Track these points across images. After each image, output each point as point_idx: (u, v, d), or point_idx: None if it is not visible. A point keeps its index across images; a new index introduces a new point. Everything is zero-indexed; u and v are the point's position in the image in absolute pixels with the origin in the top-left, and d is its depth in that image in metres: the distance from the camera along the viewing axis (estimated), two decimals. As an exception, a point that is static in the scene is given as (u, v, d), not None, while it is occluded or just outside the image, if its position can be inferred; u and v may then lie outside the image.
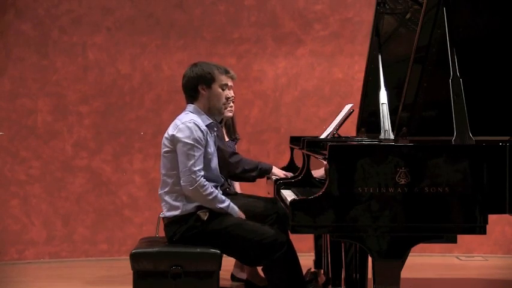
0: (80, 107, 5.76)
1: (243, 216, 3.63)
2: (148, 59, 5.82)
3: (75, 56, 5.75)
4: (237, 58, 5.84)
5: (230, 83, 4.26)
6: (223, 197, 3.57)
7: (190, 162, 3.44)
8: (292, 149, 4.65)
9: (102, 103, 5.78)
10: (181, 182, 3.47)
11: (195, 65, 3.69)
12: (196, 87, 3.62)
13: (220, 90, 3.65)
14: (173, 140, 3.50)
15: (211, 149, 3.61)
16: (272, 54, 5.91)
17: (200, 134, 3.49)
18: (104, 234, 5.79)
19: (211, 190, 3.50)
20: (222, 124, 4.50)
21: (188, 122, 3.50)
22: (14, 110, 5.69)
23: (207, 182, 3.49)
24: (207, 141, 3.55)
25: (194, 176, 3.44)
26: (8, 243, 5.68)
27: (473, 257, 5.79)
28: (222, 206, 3.52)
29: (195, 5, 5.84)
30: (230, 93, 4.22)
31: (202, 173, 3.48)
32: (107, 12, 5.77)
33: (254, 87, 5.86)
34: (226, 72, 3.69)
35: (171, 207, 3.53)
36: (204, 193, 3.46)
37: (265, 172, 4.15)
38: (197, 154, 3.47)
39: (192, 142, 3.46)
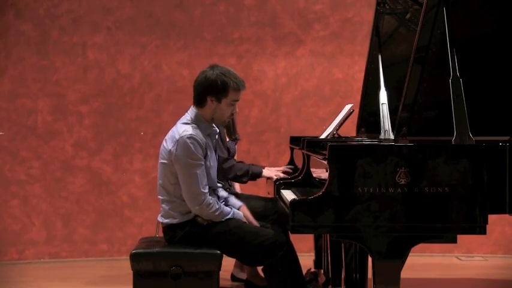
0: (80, 107, 5.76)
1: (253, 221, 3.58)
2: (148, 59, 5.82)
3: (75, 56, 5.75)
4: (237, 58, 5.84)
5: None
6: (228, 209, 3.52)
7: (193, 183, 3.37)
8: (292, 149, 4.65)
9: (102, 103, 5.78)
10: (186, 200, 3.41)
11: (213, 68, 3.46)
12: (206, 96, 3.44)
13: (229, 107, 3.48)
14: (171, 156, 3.40)
15: (211, 162, 3.52)
16: (272, 54, 5.91)
17: (199, 150, 3.37)
18: (104, 234, 5.79)
19: (217, 207, 3.44)
20: (229, 123, 4.50)
21: (187, 138, 3.35)
22: (14, 110, 5.69)
23: (212, 200, 3.43)
24: (206, 154, 3.45)
25: (199, 197, 3.38)
26: (8, 243, 5.68)
27: (473, 257, 5.79)
28: (227, 217, 3.49)
29: (195, 5, 5.84)
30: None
31: (206, 190, 3.41)
32: (107, 12, 5.77)
33: (254, 87, 5.86)
34: (242, 87, 3.48)
35: (168, 215, 3.51)
36: (210, 211, 3.42)
37: (256, 176, 4.30)
38: (199, 172, 3.37)
39: (191, 161, 3.35)
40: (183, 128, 3.42)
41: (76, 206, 5.76)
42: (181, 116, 3.57)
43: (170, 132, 3.49)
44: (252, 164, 4.47)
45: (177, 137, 3.39)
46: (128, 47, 5.80)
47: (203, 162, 3.40)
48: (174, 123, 3.57)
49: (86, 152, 5.77)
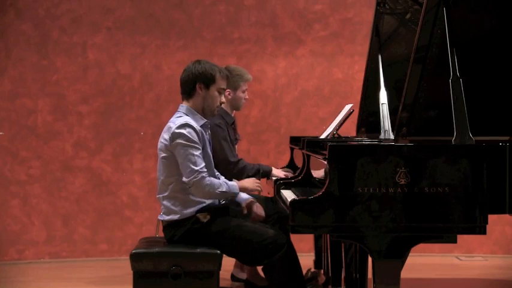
0: (80, 107, 5.76)
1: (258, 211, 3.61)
2: (148, 59, 5.82)
3: (75, 56, 5.75)
4: (237, 58, 5.84)
5: (246, 87, 4.44)
6: (219, 181, 3.51)
7: (191, 163, 3.40)
8: (292, 149, 4.65)
9: (102, 103, 5.78)
10: (187, 185, 3.44)
11: (198, 62, 3.61)
12: (194, 84, 3.55)
13: (217, 94, 3.57)
14: (170, 145, 3.45)
15: (209, 150, 3.58)
16: (272, 54, 5.91)
17: (195, 135, 3.44)
18: (104, 234, 5.79)
19: (214, 183, 3.45)
20: (234, 125, 4.52)
21: (183, 125, 3.43)
22: (14, 110, 5.69)
23: (208, 179, 3.44)
24: (204, 142, 3.51)
25: (198, 176, 3.40)
26: (8, 243, 5.68)
27: (473, 257, 5.79)
28: (223, 190, 3.48)
29: (195, 5, 5.84)
30: (245, 95, 4.46)
31: (205, 170, 3.44)
32: (107, 12, 5.78)
33: (254, 87, 5.86)
34: (227, 77, 3.65)
35: (170, 212, 3.52)
36: (209, 189, 3.43)
37: (266, 175, 4.31)
38: (197, 153, 3.43)
39: (189, 143, 3.41)
40: (178, 120, 3.50)
41: (76, 206, 5.76)
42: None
43: (165, 128, 3.54)
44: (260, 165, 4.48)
45: (174, 127, 3.45)
46: (128, 47, 5.80)
47: (200, 147, 3.46)
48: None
49: (86, 152, 5.77)
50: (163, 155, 3.50)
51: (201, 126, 3.53)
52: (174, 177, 3.48)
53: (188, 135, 3.42)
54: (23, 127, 5.71)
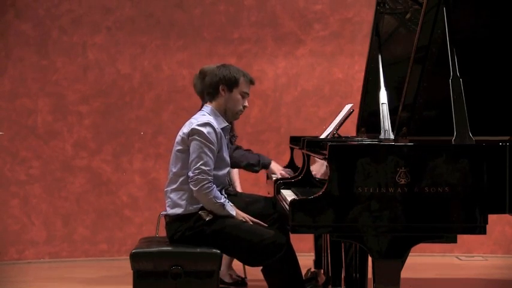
0: (80, 107, 5.76)
1: (242, 215, 3.60)
2: (148, 59, 5.82)
3: (75, 56, 5.75)
4: (237, 58, 5.84)
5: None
6: (220, 195, 3.55)
7: (201, 162, 3.44)
8: (292, 149, 4.65)
9: (102, 103, 5.78)
10: (189, 179, 3.47)
11: (223, 66, 3.68)
12: (218, 86, 3.60)
13: (239, 97, 3.63)
14: (188, 139, 3.50)
15: (225, 154, 3.60)
16: (272, 54, 5.91)
17: (214, 137, 3.49)
18: (104, 234, 5.79)
19: (217, 195, 3.48)
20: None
21: (205, 123, 3.48)
22: (14, 110, 5.69)
23: (212, 185, 3.47)
24: (221, 145, 3.55)
25: (203, 176, 3.43)
26: (8, 243, 5.68)
27: (473, 257, 5.79)
28: (220, 202, 3.50)
29: (195, 5, 5.84)
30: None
31: (212, 173, 3.47)
32: (107, 12, 5.78)
33: (254, 87, 5.74)
34: (251, 82, 3.68)
35: (175, 205, 3.54)
36: (207, 193, 3.44)
37: (265, 166, 4.36)
38: (210, 154, 3.47)
39: (206, 142, 3.45)
40: (201, 118, 3.56)
41: (76, 206, 5.76)
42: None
43: (187, 123, 3.59)
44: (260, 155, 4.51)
45: (195, 122, 3.51)
46: (128, 47, 5.80)
47: (215, 149, 3.50)
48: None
49: (86, 152, 5.77)
50: (179, 147, 3.55)
51: (222, 129, 3.57)
52: (186, 171, 3.51)
53: (207, 134, 3.47)
54: (23, 127, 5.71)
